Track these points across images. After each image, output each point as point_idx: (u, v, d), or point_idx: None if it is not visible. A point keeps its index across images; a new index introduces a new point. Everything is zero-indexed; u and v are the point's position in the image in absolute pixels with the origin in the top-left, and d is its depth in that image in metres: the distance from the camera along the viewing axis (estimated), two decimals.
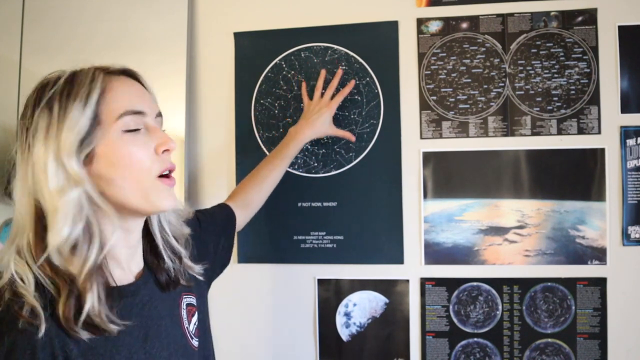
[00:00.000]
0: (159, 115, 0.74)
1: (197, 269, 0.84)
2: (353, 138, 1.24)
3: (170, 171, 0.72)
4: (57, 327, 0.61)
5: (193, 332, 0.81)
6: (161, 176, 0.71)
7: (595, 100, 1.20)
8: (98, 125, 0.66)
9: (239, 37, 1.33)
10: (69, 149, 0.64)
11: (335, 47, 1.29)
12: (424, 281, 1.25)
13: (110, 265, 0.69)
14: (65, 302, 0.62)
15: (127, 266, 0.73)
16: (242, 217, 1.11)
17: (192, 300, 0.84)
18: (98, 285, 0.64)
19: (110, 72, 0.71)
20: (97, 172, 0.67)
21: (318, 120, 1.18)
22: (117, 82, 0.70)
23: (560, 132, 1.22)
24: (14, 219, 0.67)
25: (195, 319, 0.83)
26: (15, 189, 0.67)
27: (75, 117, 0.65)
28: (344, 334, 1.28)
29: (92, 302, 0.62)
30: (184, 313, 0.80)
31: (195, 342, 0.81)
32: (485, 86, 1.24)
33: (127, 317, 0.68)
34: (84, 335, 0.62)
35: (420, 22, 1.26)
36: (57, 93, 0.66)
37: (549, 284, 1.21)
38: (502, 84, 1.24)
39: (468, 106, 1.24)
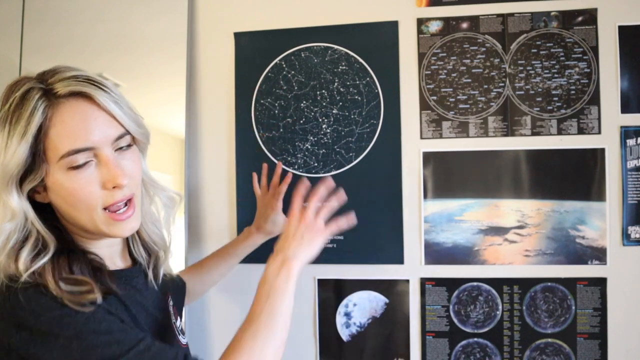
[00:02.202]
0: (121, 137, 0.68)
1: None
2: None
3: (129, 200, 0.70)
4: None
5: (180, 329, 0.85)
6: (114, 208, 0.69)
7: (595, 100, 1.20)
8: (43, 161, 0.64)
9: (239, 37, 1.33)
10: (9, 181, 0.64)
11: (335, 47, 1.29)
12: (424, 281, 1.25)
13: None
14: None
15: (112, 261, 0.77)
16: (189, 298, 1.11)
17: (173, 302, 0.88)
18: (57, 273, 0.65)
19: (58, 96, 0.64)
20: (51, 201, 0.69)
21: (266, 224, 1.15)
22: (61, 114, 0.64)
23: (560, 132, 1.22)
24: None
25: (179, 318, 0.87)
26: None
27: (15, 150, 0.63)
28: (344, 334, 1.28)
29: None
30: (171, 309, 0.85)
31: (183, 340, 0.84)
32: (485, 86, 1.24)
33: (126, 297, 0.72)
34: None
35: (421, 22, 1.26)
36: (3, 118, 0.64)
37: (549, 284, 1.21)
38: (502, 84, 1.24)
39: (468, 106, 1.24)
